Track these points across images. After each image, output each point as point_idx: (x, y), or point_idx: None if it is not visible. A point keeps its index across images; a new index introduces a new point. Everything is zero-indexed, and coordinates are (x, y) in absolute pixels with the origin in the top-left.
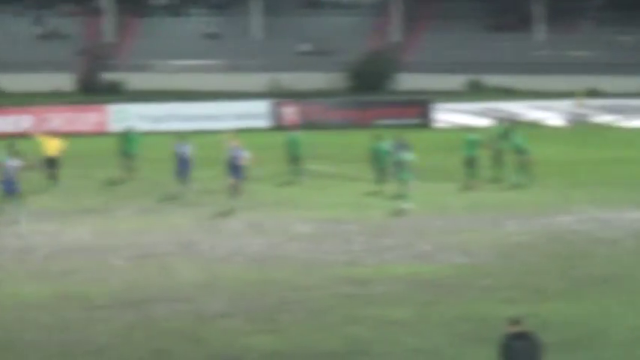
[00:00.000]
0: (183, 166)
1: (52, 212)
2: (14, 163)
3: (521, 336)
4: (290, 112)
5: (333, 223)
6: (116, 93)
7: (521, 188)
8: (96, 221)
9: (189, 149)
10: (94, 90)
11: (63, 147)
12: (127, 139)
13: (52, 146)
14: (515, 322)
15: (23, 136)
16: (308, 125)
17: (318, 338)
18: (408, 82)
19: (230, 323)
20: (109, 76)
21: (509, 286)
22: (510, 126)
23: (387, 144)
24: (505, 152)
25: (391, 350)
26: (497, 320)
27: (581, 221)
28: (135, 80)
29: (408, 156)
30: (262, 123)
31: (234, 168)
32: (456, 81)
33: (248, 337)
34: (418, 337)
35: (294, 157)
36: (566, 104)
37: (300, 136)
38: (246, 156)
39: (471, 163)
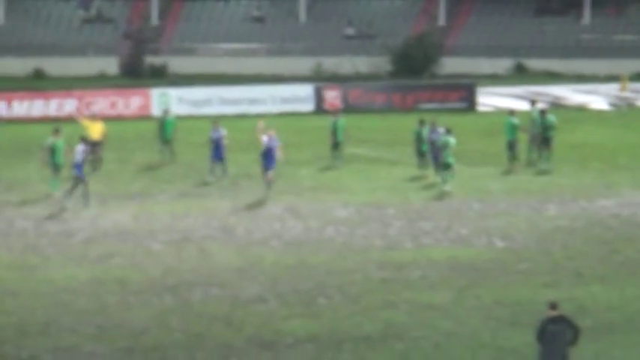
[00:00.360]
0: (218, 152)
1: (91, 196)
2: (82, 147)
3: (559, 320)
4: (333, 95)
5: (371, 207)
6: (160, 76)
7: (548, 174)
8: (135, 205)
9: (223, 134)
10: (138, 74)
11: (106, 130)
12: (163, 124)
13: (96, 130)
14: (554, 306)
15: (67, 120)
16: (351, 109)
17: (353, 322)
18: (453, 65)
19: (266, 307)
20: (152, 60)
21: (547, 271)
22: (542, 109)
23: (427, 129)
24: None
25: (427, 335)
26: (534, 305)
27: (623, 205)
28: (179, 64)
29: (452, 140)
30: (306, 107)
31: (269, 158)
32: (500, 65)
33: (284, 321)
34: (454, 321)
35: (335, 143)
36: (610, 88)
37: (342, 121)
38: (279, 145)
39: (512, 147)
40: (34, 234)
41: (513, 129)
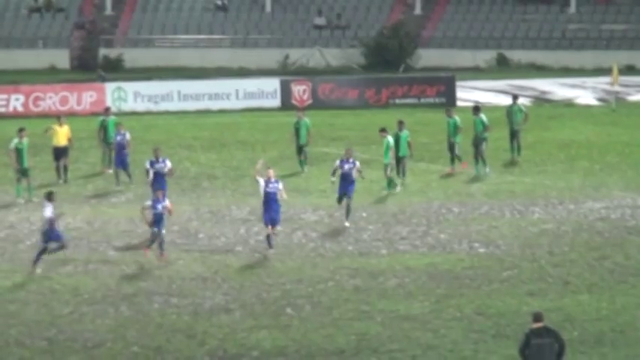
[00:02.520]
0: (121, 157)
1: (39, 199)
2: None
3: (544, 332)
4: (301, 90)
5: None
6: (115, 70)
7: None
8: (88, 209)
9: (128, 138)
10: (91, 67)
11: (71, 134)
12: (104, 125)
13: (63, 134)
14: (538, 317)
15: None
16: (321, 105)
17: (324, 335)
18: (430, 58)
19: (230, 318)
20: (107, 52)
21: (532, 279)
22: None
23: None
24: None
25: (403, 347)
26: (519, 315)
27: (612, 208)
28: (135, 56)
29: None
30: (272, 102)
31: (270, 208)
32: (481, 57)
33: (249, 333)
34: (433, 333)
35: (299, 146)
36: (598, 81)
37: (307, 121)
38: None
39: (451, 148)
40: None
41: (455, 129)
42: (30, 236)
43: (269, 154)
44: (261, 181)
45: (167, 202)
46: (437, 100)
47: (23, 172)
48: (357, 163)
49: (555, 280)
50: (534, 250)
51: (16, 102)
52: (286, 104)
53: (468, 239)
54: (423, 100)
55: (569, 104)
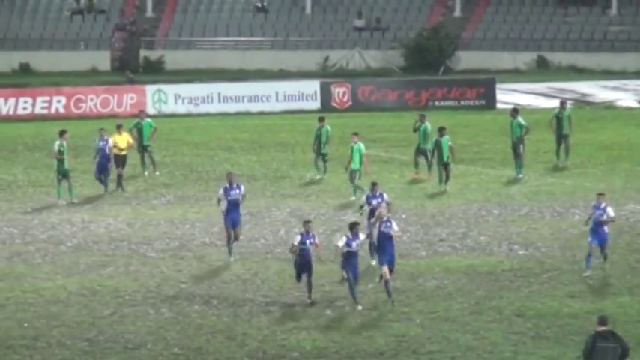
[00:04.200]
0: (103, 163)
1: (81, 201)
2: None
3: (609, 336)
4: (341, 92)
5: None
6: (156, 72)
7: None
8: (129, 210)
9: (110, 144)
10: (132, 69)
11: (130, 143)
12: (139, 128)
13: (123, 143)
14: (603, 320)
15: (55, 118)
16: (360, 106)
17: (364, 336)
18: (470, 60)
19: (270, 319)
20: (148, 54)
21: (572, 281)
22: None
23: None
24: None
25: (443, 349)
26: (558, 317)
27: None
28: (176, 58)
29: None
30: (311, 104)
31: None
32: (521, 59)
33: (289, 334)
34: (472, 334)
35: (319, 153)
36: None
37: (327, 129)
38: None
39: (424, 153)
40: (20, 240)
41: (426, 136)
42: (71, 237)
43: (308, 156)
44: (375, 228)
45: (317, 238)
46: (476, 102)
47: (64, 174)
48: (386, 196)
49: (596, 281)
50: (574, 251)
51: (58, 104)
52: (326, 106)
53: (508, 241)
54: (462, 103)
55: (610, 106)
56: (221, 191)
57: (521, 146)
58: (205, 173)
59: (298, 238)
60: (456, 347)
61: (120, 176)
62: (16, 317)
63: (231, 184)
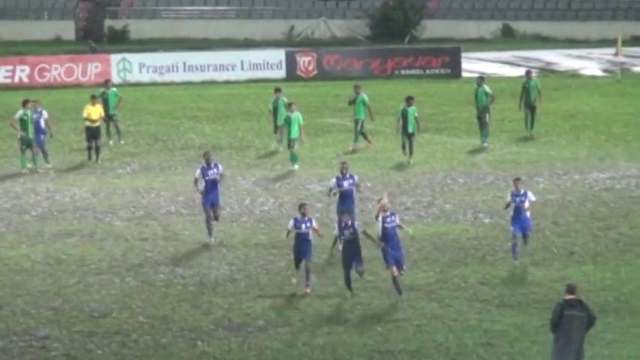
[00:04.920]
0: (37, 135)
1: (45, 170)
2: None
3: (577, 304)
4: (306, 61)
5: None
6: (120, 41)
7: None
8: (94, 180)
9: (44, 116)
10: (97, 38)
11: (102, 115)
12: (105, 98)
13: (97, 114)
14: (571, 289)
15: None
16: (326, 76)
17: (330, 304)
18: (435, 29)
19: (235, 289)
20: (112, 24)
21: (537, 249)
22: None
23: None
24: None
25: (408, 317)
26: (523, 285)
27: (617, 178)
28: (141, 27)
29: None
30: (277, 73)
31: (391, 247)
32: (486, 28)
33: (254, 302)
34: (438, 302)
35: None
36: (604, 52)
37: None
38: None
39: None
40: None
41: (361, 107)
42: (35, 207)
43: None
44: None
45: (314, 222)
46: (442, 71)
47: (28, 143)
48: (357, 178)
49: (560, 250)
50: (539, 220)
51: (22, 73)
52: (291, 75)
53: (473, 209)
54: (428, 71)
55: (574, 75)
56: (198, 171)
57: (486, 115)
58: (170, 142)
59: (291, 222)
60: (422, 315)
61: (97, 148)
62: None
63: (208, 163)
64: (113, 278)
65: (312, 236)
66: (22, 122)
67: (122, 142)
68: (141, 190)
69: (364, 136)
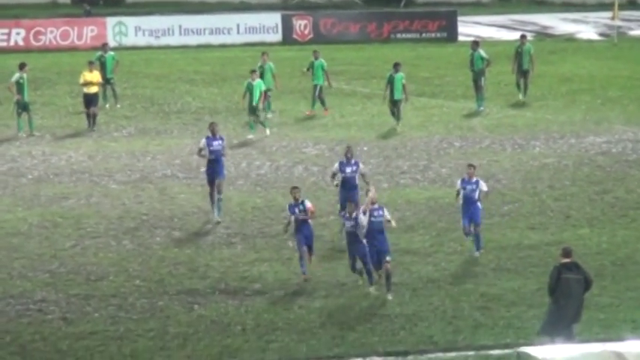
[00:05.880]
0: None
1: (41, 134)
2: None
3: (574, 267)
4: (302, 25)
5: (345, 144)
6: (116, 5)
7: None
8: (90, 143)
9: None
10: (92, 1)
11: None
12: (102, 62)
13: (95, 81)
14: (567, 252)
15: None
16: (322, 39)
17: (326, 267)
18: None
19: (232, 252)
20: None
21: (533, 213)
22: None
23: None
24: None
25: (404, 281)
26: (519, 249)
27: (613, 142)
28: None
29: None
30: (273, 37)
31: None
32: None
33: (251, 266)
34: (434, 266)
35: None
36: (600, 16)
37: (270, 65)
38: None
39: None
40: None
41: (320, 70)
42: (32, 170)
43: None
44: (365, 216)
45: (308, 204)
46: (438, 34)
47: (24, 107)
48: (362, 166)
49: (556, 214)
50: (535, 184)
51: (17, 36)
52: (287, 39)
53: None
54: (424, 35)
55: (570, 39)
56: (203, 141)
57: (482, 79)
58: (167, 105)
59: (287, 210)
60: (418, 279)
61: (94, 114)
62: None
63: (214, 133)
64: (110, 241)
65: (310, 221)
66: (19, 85)
67: (118, 105)
68: (137, 154)
69: (322, 102)
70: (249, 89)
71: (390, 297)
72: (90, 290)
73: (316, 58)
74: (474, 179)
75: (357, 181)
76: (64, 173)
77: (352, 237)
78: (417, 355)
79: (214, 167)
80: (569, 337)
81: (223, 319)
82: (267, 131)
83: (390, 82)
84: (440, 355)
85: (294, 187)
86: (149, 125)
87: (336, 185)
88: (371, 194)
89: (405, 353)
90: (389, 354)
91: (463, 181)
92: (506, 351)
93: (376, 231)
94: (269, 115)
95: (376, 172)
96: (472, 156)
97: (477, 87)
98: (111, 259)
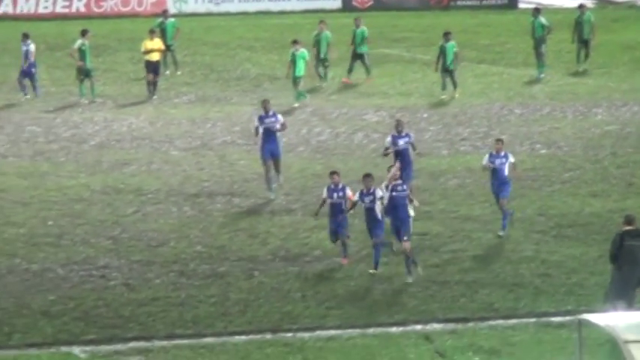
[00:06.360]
0: (29, 67)
1: (103, 100)
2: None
3: (637, 235)
4: None
5: (405, 111)
6: None
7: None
8: (151, 109)
9: (31, 49)
10: None
11: (161, 48)
12: (163, 29)
13: (157, 48)
14: (630, 220)
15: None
16: (383, 6)
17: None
18: None
19: (292, 219)
20: None
21: (595, 180)
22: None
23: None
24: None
25: (464, 247)
26: (580, 216)
27: None
28: None
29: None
30: (332, 4)
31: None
32: None
33: (311, 233)
34: (493, 233)
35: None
36: None
37: (327, 33)
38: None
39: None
40: (44, 139)
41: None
42: (94, 136)
43: (330, 55)
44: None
45: (349, 191)
46: (499, 1)
47: (86, 73)
48: (413, 136)
49: (618, 181)
50: (597, 151)
51: (79, 3)
52: (347, 6)
53: (530, 140)
54: (484, 2)
55: (633, 6)
56: (256, 119)
57: (543, 46)
58: (226, 72)
59: (325, 192)
60: (478, 246)
61: (155, 83)
62: (41, 215)
63: (267, 110)
64: (170, 208)
65: (345, 206)
66: (81, 52)
67: (179, 72)
68: (197, 120)
69: (367, 69)
70: (293, 59)
71: (409, 280)
72: (151, 256)
73: (357, 27)
74: (502, 152)
75: (411, 154)
76: (125, 139)
77: (370, 214)
78: (478, 322)
79: (270, 145)
80: (633, 304)
81: (283, 286)
82: (296, 104)
83: (442, 51)
84: (500, 322)
85: (333, 172)
86: (209, 92)
87: (386, 154)
88: (394, 170)
89: (466, 320)
90: (449, 321)
91: (491, 155)
92: (567, 318)
93: (400, 205)
94: (306, 100)
95: (436, 139)
96: (533, 123)
97: (538, 54)
98: (172, 225)
